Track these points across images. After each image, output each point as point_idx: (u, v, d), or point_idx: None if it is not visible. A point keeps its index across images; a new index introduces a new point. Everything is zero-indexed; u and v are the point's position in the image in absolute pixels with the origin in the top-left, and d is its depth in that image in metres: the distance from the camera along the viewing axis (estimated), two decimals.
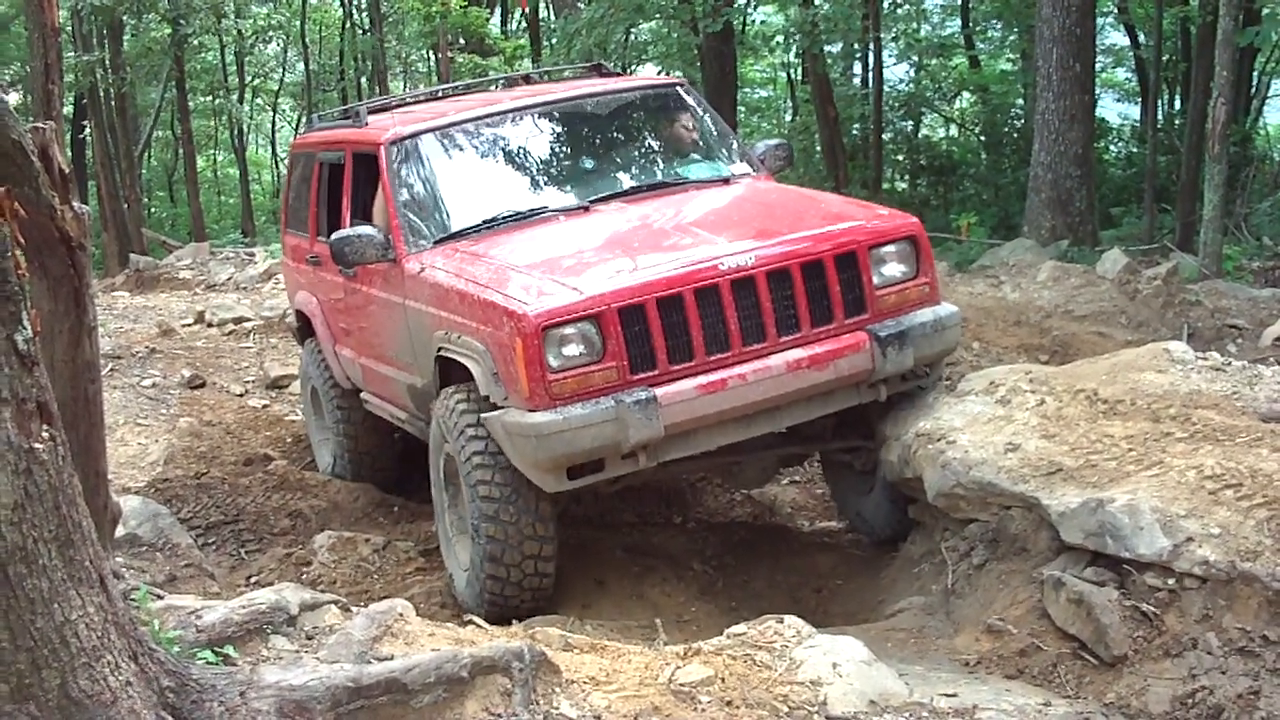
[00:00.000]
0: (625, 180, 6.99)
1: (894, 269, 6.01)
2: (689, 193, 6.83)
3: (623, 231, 6.32)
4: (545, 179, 7.08)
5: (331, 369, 8.19)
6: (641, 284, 5.57)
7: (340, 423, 8.33)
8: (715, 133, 7.48)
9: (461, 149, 7.07)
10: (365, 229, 6.67)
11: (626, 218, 6.49)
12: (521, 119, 7.23)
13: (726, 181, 7.00)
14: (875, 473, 6.57)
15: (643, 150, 7.43)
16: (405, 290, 6.56)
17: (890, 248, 6.01)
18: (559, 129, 7.29)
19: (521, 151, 7.17)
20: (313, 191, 8.20)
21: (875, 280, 5.93)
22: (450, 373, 6.20)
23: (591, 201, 6.70)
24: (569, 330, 5.44)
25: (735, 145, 7.47)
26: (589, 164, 7.21)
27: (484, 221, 6.61)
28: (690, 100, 7.59)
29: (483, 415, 5.78)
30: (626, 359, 5.49)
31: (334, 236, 6.69)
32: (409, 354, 6.67)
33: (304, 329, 8.69)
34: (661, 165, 7.23)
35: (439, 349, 6.15)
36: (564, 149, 7.30)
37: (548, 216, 6.62)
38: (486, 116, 7.19)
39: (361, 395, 7.93)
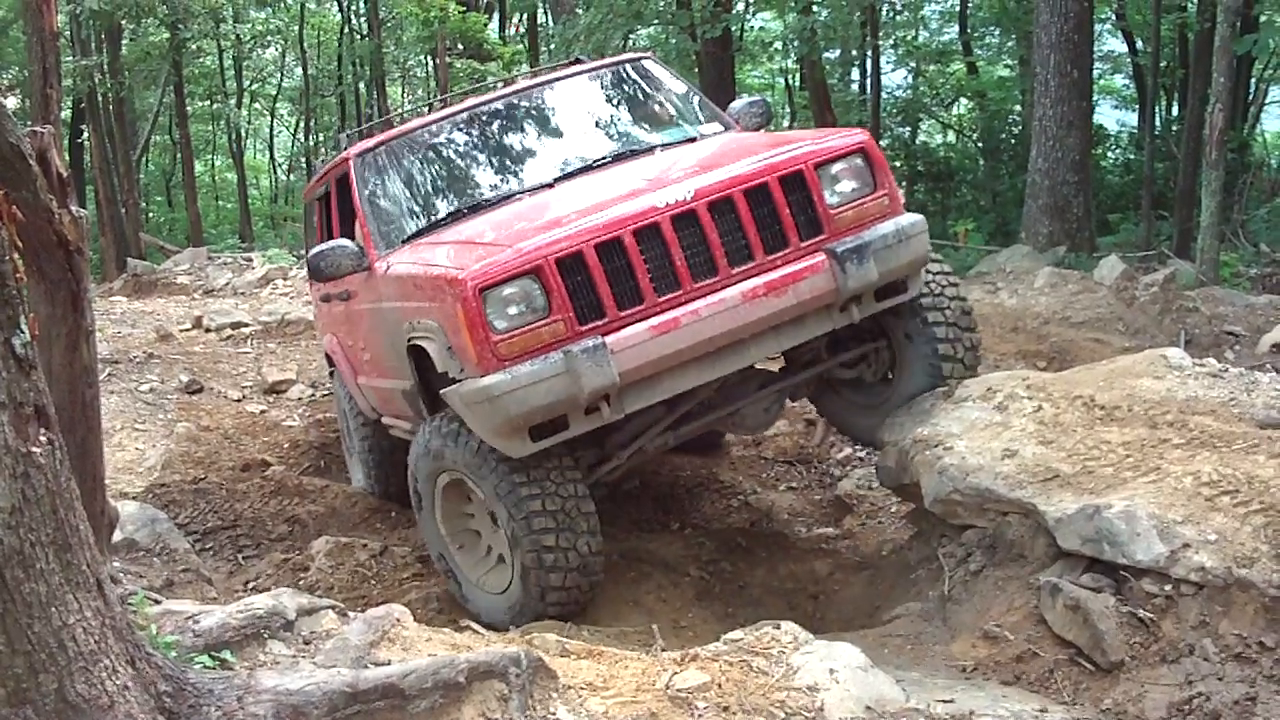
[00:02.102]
0: (593, 155, 6.88)
1: (848, 185, 5.83)
2: (655, 155, 6.75)
3: (577, 197, 6.21)
4: (512, 166, 7.06)
5: (357, 401, 8.19)
6: (576, 233, 5.44)
7: (365, 443, 8.41)
8: (685, 99, 7.44)
9: (426, 152, 7.13)
10: (339, 241, 6.70)
11: (586, 186, 6.43)
12: (486, 115, 7.25)
13: (694, 141, 6.95)
14: (891, 376, 6.47)
15: (611, 125, 7.37)
16: (379, 294, 6.57)
17: (840, 164, 5.82)
18: (524, 118, 7.30)
19: (487, 145, 7.18)
20: (317, 232, 8.34)
21: (830, 199, 5.76)
22: (426, 369, 6.14)
23: (557, 179, 6.67)
24: (509, 290, 5.32)
25: (707, 108, 7.41)
26: (556, 145, 7.18)
27: (450, 214, 6.65)
28: (655, 71, 7.59)
29: (442, 392, 5.70)
30: (572, 311, 5.36)
31: (310, 253, 6.72)
32: (394, 357, 6.62)
33: (333, 367, 8.77)
34: (630, 136, 7.17)
35: (408, 340, 6.09)
36: (530, 136, 7.29)
37: (513, 198, 6.60)
38: (450, 117, 7.25)
39: (384, 421, 7.86)
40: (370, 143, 7.21)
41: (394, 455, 8.14)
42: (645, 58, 7.87)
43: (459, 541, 6.26)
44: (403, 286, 6.14)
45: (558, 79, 7.56)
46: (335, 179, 7.64)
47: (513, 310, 5.34)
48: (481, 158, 7.15)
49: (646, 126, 7.25)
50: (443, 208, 6.76)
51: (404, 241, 6.60)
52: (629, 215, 5.50)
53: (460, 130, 7.20)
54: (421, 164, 7.09)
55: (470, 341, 5.33)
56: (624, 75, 7.59)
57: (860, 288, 5.74)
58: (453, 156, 7.17)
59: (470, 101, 7.45)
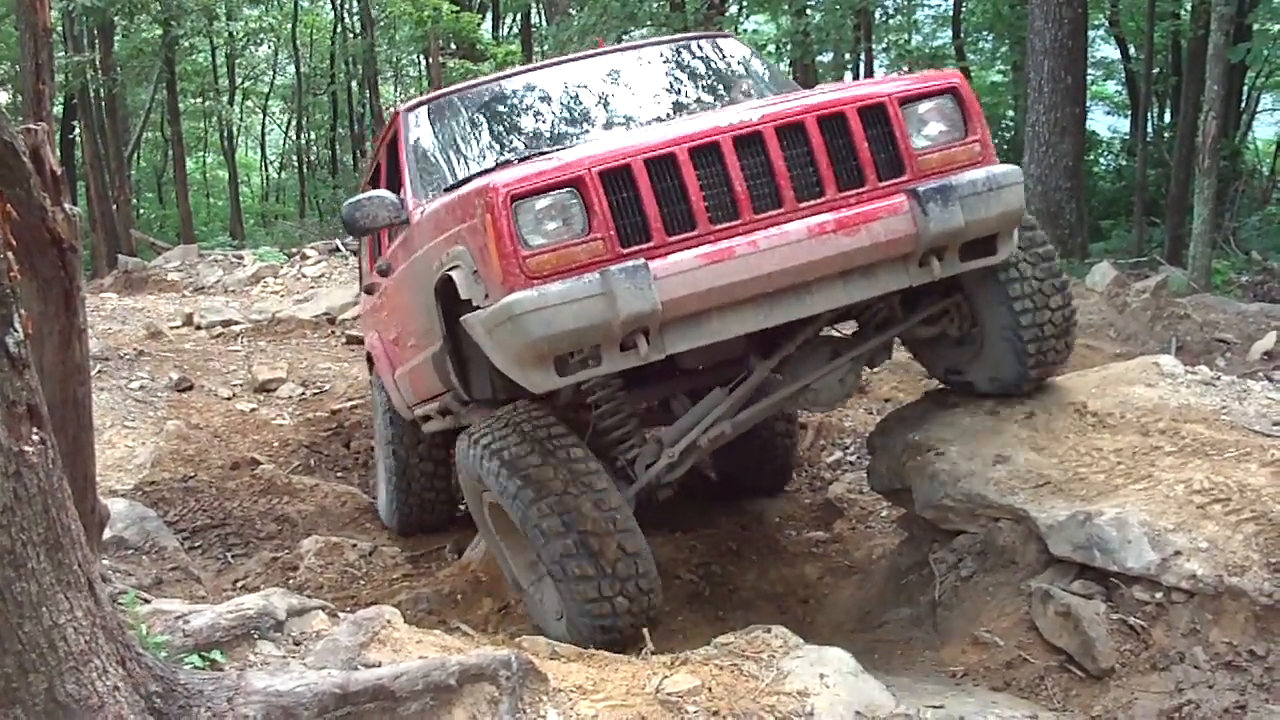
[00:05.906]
0: (662, 112, 6.49)
1: (935, 128, 5.23)
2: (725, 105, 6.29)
3: (632, 132, 5.69)
4: (570, 123, 6.66)
5: (392, 399, 7.68)
6: (627, 147, 4.88)
7: (389, 447, 8.07)
8: (762, 74, 7.07)
9: (479, 108, 6.78)
10: (377, 191, 6.12)
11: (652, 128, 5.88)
12: (545, 77, 6.95)
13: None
14: (975, 328, 5.90)
15: (683, 90, 7.00)
16: (414, 244, 6.04)
17: (928, 104, 5.22)
18: (590, 82, 6.94)
19: (544, 104, 6.82)
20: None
21: (915, 141, 5.14)
22: (454, 319, 5.41)
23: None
24: (544, 202, 4.71)
25: (788, 83, 7.03)
26: (621, 108, 6.76)
27: (498, 163, 5.95)
28: (734, 48, 7.31)
29: (463, 319, 5.07)
30: (614, 229, 4.72)
31: (346, 203, 6.12)
32: (425, 317, 5.99)
33: (372, 366, 8.45)
34: (702, 99, 6.80)
35: (438, 278, 5.41)
36: (596, 99, 6.90)
37: (565, 145, 6.02)
38: (507, 77, 7.03)
39: (418, 413, 7.26)
40: (423, 97, 6.96)
41: (420, 481, 7.87)
42: (725, 35, 7.62)
43: (508, 542, 5.70)
44: (436, 219, 5.59)
45: (629, 48, 7.34)
46: (386, 146, 7.21)
47: (549, 225, 4.73)
48: (537, 115, 6.80)
49: (720, 93, 6.90)
50: (491, 158, 6.24)
51: (446, 190, 5.89)
52: (687, 134, 4.93)
53: (518, 90, 6.91)
54: (474, 120, 6.72)
55: (497, 257, 4.68)
56: (700, 49, 7.31)
57: (942, 235, 5.06)
58: (508, 113, 6.82)
59: (530, 65, 7.27)
